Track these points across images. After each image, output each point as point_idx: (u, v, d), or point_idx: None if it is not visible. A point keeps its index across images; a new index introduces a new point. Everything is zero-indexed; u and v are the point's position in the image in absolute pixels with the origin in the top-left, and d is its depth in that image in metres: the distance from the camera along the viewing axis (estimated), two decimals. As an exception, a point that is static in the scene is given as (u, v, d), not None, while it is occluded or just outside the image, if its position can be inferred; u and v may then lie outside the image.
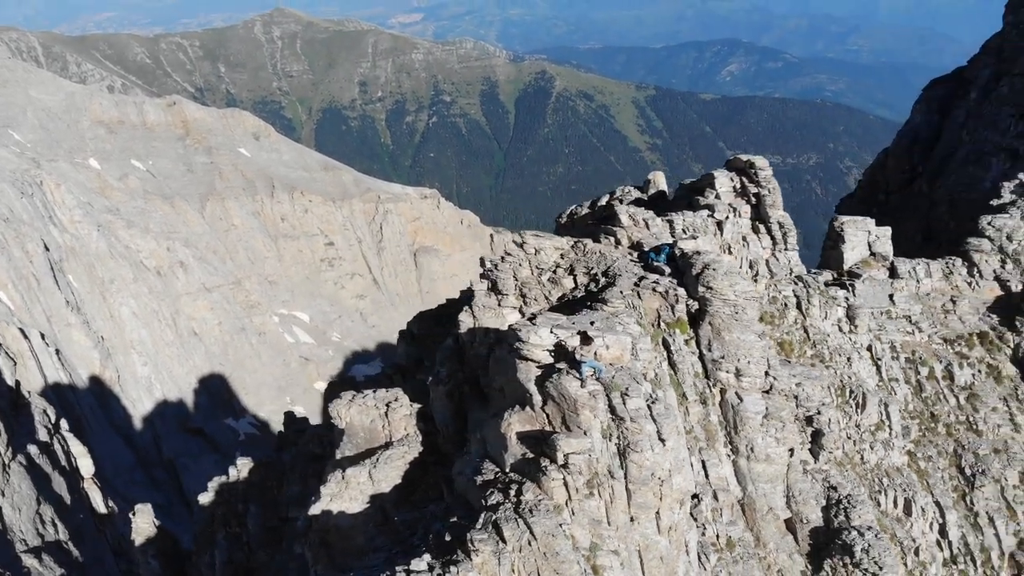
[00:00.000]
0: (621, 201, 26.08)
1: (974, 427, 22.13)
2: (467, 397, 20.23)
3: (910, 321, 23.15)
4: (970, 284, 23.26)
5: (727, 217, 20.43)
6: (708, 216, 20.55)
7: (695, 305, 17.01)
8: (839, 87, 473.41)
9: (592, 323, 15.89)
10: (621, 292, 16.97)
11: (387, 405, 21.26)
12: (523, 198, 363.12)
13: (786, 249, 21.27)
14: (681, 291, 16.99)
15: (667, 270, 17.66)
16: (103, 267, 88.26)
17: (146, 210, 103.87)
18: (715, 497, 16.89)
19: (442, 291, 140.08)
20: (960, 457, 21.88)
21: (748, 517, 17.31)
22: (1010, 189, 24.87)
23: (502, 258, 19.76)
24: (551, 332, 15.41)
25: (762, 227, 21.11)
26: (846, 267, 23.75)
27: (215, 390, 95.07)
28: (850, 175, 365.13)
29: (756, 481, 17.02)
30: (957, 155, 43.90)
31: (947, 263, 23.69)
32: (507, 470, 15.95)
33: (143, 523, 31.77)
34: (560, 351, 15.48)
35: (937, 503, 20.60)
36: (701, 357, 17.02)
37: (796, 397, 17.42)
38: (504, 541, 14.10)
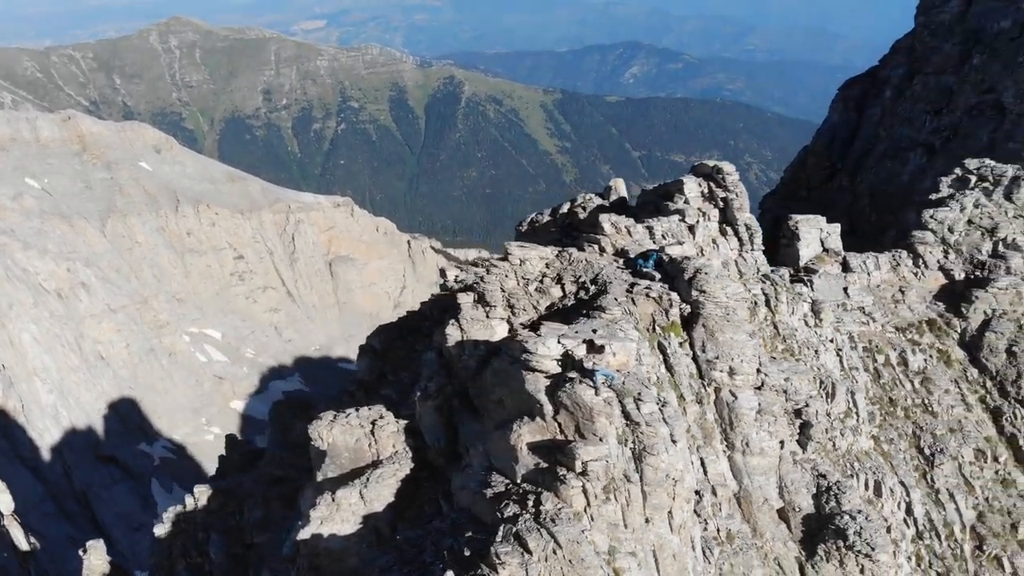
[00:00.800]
0: (585, 209, 26.54)
1: (930, 409, 23.49)
2: (456, 411, 20.19)
3: (864, 312, 24.39)
4: (916, 275, 24.69)
5: (698, 221, 21.11)
6: (679, 220, 21.17)
7: (687, 308, 17.54)
8: (737, 86, 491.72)
9: (595, 331, 16.18)
10: (616, 299, 17.33)
11: (372, 423, 20.98)
12: (438, 203, 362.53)
13: (752, 249, 22.11)
14: (675, 295, 17.50)
15: (657, 276, 18.15)
16: (0, 292, 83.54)
17: (43, 230, 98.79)
18: (714, 493, 17.44)
19: (360, 301, 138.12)
20: (919, 438, 23.19)
21: (744, 510, 17.94)
22: (947, 183, 26.53)
23: (487, 270, 19.84)
24: (558, 342, 15.61)
25: (729, 229, 21.88)
26: (802, 264, 24.79)
27: (126, 415, 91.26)
28: (751, 170, 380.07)
29: (752, 474, 17.67)
30: (875, 151, 46.40)
31: (894, 256, 25.09)
32: (518, 481, 16.05)
33: (96, 560, 30.30)
34: (567, 360, 15.70)
35: (902, 483, 21.75)
36: (695, 358, 17.55)
37: (785, 391, 18.19)
38: (529, 552, 14.20)
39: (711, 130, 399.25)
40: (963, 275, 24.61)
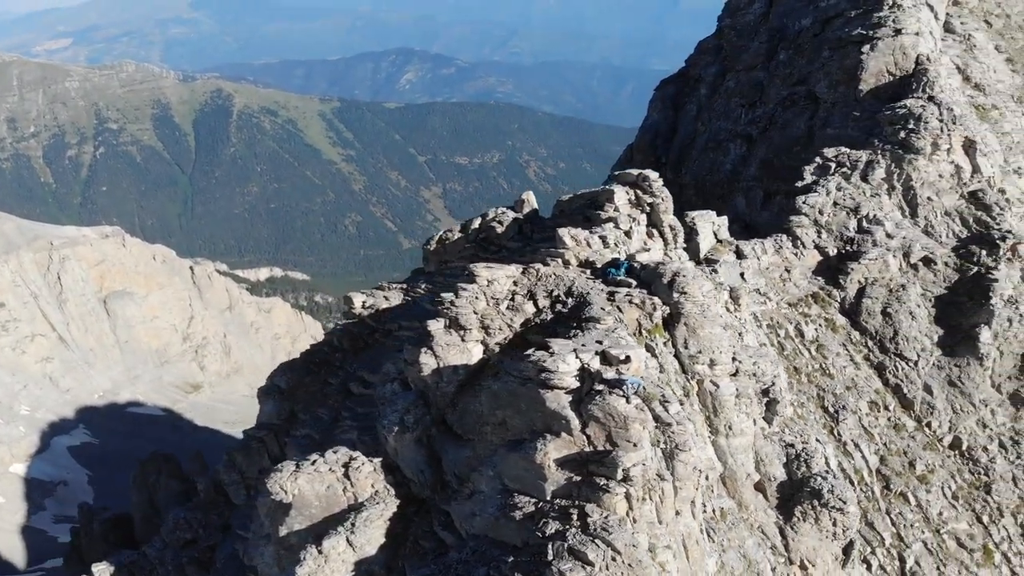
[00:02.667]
0: (501, 223, 26.99)
1: (827, 372, 26.48)
2: (436, 440, 19.96)
3: (760, 293, 26.95)
4: (797, 255, 27.64)
5: (631, 227, 22.35)
6: (614, 227, 22.29)
7: (667, 310, 18.64)
8: (508, 88, 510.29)
9: (599, 342, 16.80)
10: (603, 308, 18.06)
11: (345, 467, 20.15)
12: (218, 223, 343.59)
13: (676, 247, 23.74)
14: (657, 299, 18.52)
15: (633, 282, 19.07)
16: None
17: None
18: (706, 477, 18.70)
19: (143, 338, 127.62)
20: (823, 399, 26.06)
21: (729, 487, 19.40)
22: (810, 171, 29.90)
23: (456, 294, 19.77)
24: (576, 357, 16.06)
25: (655, 231, 23.35)
26: (702, 255, 26.90)
27: None
28: (529, 168, 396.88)
29: (734, 454, 19.16)
30: (696, 144, 50.75)
31: (776, 240, 27.91)
32: (548, 499, 16.30)
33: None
34: (584, 374, 16.19)
35: (817, 440, 24.30)
36: (677, 355, 18.70)
37: (755, 375, 19.87)
38: (590, 563, 14.55)
39: (489, 132, 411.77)
40: (836, 251, 27.91)
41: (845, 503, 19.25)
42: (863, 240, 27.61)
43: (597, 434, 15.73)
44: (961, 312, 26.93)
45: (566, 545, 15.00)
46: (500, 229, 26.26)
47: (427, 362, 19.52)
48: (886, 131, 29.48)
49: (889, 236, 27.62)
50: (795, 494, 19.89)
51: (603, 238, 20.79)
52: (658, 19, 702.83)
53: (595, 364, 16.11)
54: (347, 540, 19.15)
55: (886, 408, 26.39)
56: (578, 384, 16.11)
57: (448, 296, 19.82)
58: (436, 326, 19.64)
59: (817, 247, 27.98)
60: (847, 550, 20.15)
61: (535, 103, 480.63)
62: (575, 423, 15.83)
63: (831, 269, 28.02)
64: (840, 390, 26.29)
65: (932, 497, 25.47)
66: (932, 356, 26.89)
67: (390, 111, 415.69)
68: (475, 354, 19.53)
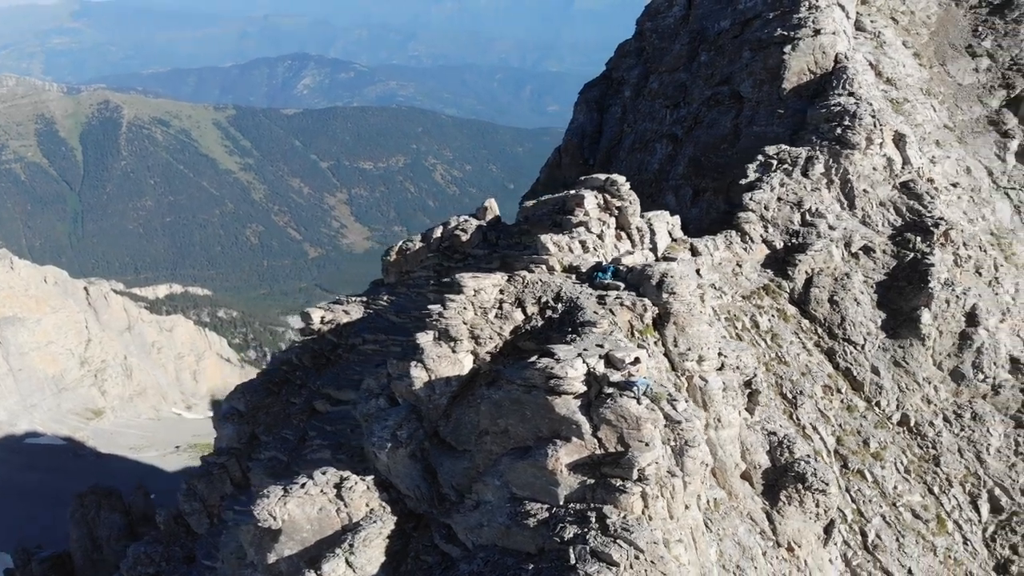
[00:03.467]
0: (465, 231, 26.95)
1: (783, 360, 27.62)
2: (429, 453, 19.82)
3: (715, 288, 27.88)
4: (746, 249, 28.72)
5: (602, 231, 22.78)
6: (586, 231, 22.66)
7: (656, 310, 19.08)
8: (409, 92, 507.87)
9: (599, 345, 17.09)
10: (596, 312, 18.36)
11: (337, 487, 19.73)
12: (112, 239, 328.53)
13: (643, 248, 24.32)
14: (646, 300, 18.93)
15: (621, 285, 19.42)
16: None
17: None
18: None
19: (38, 364, 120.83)
20: (781, 386, 27.18)
21: (719, 478, 20.04)
22: (753, 169, 31.06)
23: (443, 305, 19.68)
24: (583, 363, 16.28)
25: (623, 233, 23.86)
26: (660, 254, 27.64)
27: None
28: (436, 171, 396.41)
29: (723, 446, 19.80)
30: (623, 145, 51.94)
31: (726, 236, 28.92)
32: (561, 503, 16.47)
33: None
34: (591, 377, 16.43)
35: (780, 426, 25.37)
36: (667, 354, 19.18)
37: (738, 367, 20.57)
38: (616, 564, 14.81)
39: (392, 136, 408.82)
40: (782, 244, 29.15)
41: (827, 484, 20.22)
42: (807, 233, 28.94)
43: (608, 437, 15.99)
44: (901, 296, 28.60)
45: (588, 548, 15.21)
46: (465, 237, 26.23)
47: (418, 375, 19.36)
48: (822, 128, 31.00)
49: (831, 228, 29.07)
50: (779, 479, 20.73)
51: (583, 243, 21.11)
52: (552, 21, 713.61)
53: (600, 368, 16.38)
54: (347, 562, 18.76)
55: (838, 391, 27.75)
56: (585, 388, 16.32)
57: (435, 308, 19.71)
58: (425, 339, 19.50)
59: (765, 241, 29.14)
60: (828, 529, 21.16)
61: (438, 106, 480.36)
62: (586, 427, 16.05)
63: (779, 261, 29.23)
64: (796, 376, 27.47)
65: (887, 472, 26.96)
66: (877, 339, 28.46)
67: (288, 117, 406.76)
68: (466, 365, 19.51)
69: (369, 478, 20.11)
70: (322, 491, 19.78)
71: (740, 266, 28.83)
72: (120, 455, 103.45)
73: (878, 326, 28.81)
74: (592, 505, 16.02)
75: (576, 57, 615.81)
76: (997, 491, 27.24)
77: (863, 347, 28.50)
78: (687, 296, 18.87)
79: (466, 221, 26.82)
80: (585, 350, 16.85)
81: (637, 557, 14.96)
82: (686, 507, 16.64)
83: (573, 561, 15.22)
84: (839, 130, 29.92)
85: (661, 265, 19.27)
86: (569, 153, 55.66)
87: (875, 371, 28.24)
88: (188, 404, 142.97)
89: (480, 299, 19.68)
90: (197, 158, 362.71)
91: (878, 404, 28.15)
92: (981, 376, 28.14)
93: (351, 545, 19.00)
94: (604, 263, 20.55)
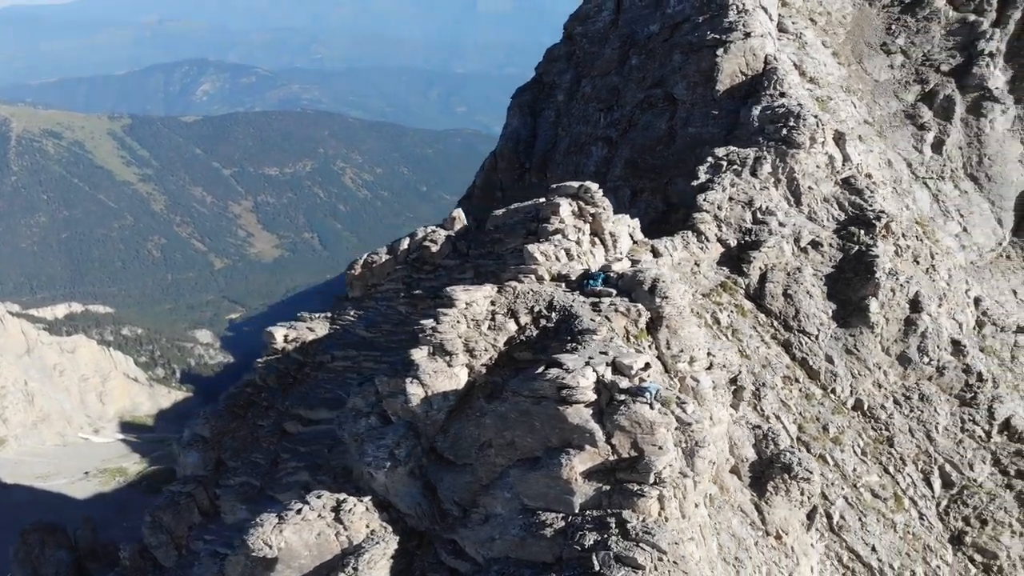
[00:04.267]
0: (435, 242, 26.77)
1: (745, 354, 28.57)
2: (428, 469, 19.68)
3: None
4: (702, 248, 29.58)
5: (578, 238, 23.08)
6: (563, 238, 22.92)
7: (648, 314, 19.47)
8: (314, 95, 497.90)
9: (603, 353, 17.36)
10: (593, 319, 18.62)
11: (334, 510, 19.36)
12: (4, 259, 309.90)
13: (615, 253, 24.76)
14: (640, 305, 19.28)
15: (613, 291, 19.71)
16: None
17: None
18: (699, 468, 19.81)
19: None
20: (742, 378, 28.14)
21: (713, 474, 20.65)
22: (704, 171, 31.97)
23: (436, 320, 19.54)
24: (593, 371, 16.51)
25: (596, 239, 24.23)
26: (624, 257, 28.16)
27: None
28: (345, 175, 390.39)
29: (715, 442, 20.38)
30: (559, 148, 52.54)
31: (683, 236, 29.69)
32: (576, 511, 16.65)
33: None
34: (600, 385, 16.68)
35: (744, 419, 26.30)
36: (660, 356, 19.59)
37: (724, 365, 21.19)
38: (640, 567, 15.09)
39: (298, 140, 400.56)
40: (736, 242, 30.15)
41: (811, 472, 21.11)
42: (759, 230, 30.03)
43: (622, 442, 16.26)
44: (850, 287, 30.03)
45: (611, 553, 15.44)
46: (435, 248, 26.07)
47: (415, 392, 19.19)
48: (768, 129, 32.19)
49: (781, 225, 30.26)
50: (766, 471, 21.51)
51: (567, 251, 21.36)
52: (457, 22, 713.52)
53: (608, 375, 16.64)
54: (353, 586, 18.45)
55: (796, 381, 28.94)
56: (595, 397, 16.55)
57: (428, 323, 19.56)
58: (420, 354, 19.33)
59: (720, 240, 30.09)
60: (810, 515, 22.09)
61: (344, 109, 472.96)
62: (599, 434, 16.27)
63: (733, 259, 30.22)
64: (758, 369, 28.49)
65: (846, 456, 28.29)
66: (829, 329, 29.81)
67: (188, 125, 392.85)
68: (462, 378, 19.45)
69: (367, 499, 19.80)
70: (319, 515, 19.37)
71: (698, 265, 29.65)
72: (26, 485, 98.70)
73: (829, 316, 30.15)
74: (610, 511, 16.26)
75: (482, 58, 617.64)
76: (947, 467, 28.97)
77: (817, 337, 29.79)
78: (678, 300, 19.37)
79: (434, 232, 26.67)
80: (591, 358, 17.08)
81: (660, 559, 15.28)
82: (696, 506, 17.12)
83: (597, 567, 15.42)
84: (785, 131, 31.19)
85: (652, 270, 19.70)
86: (505, 158, 55.93)
87: (829, 360, 29.56)
88: (95, 428, 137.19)
89: (472, 311, 19.65)
90: (93, 170, 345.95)
91: (834, 391, 29.48)
92: (926, 359, 29.85)
93: (355, 568, 18.67)
94: (593, 270, 20.84)
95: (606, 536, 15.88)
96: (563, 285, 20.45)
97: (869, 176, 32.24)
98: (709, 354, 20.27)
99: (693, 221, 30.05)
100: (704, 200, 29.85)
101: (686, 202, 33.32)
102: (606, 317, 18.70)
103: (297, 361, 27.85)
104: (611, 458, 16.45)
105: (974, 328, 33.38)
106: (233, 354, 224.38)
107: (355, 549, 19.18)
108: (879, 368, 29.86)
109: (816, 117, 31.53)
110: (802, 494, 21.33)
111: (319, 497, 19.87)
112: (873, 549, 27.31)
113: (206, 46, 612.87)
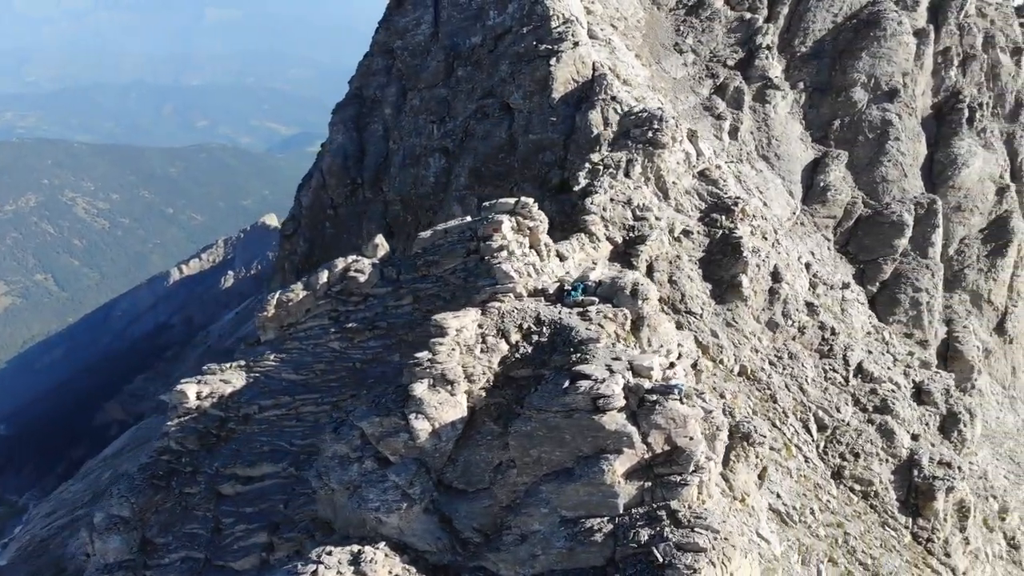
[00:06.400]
0: (362, 272, 26.01)
1: (650, 341, 30.90)
2: (439, 502, 19.51)
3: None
4: (595, 248, 31.48)
5: (523, 252, 23.78)
6: (508, 254, 23.54)
7: (631, 316, 20.66)
8: (31, 122, 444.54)
9: (616, 358, 18.38)
10: (588, 328, 19.52)
11: (353, 564, 18.62)
12: None
13: (549, 262, 25.70)
14: (625, 309, 20.36)
15: (596, 299, 20.59)
16: None
17: None
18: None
19: None
20: (700, 362, 30.36)
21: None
22: (583, 176, 33.75)
23: (432, 351, 19.36)
24: (622, 377, 17.47)
25: (534, 251, 25.04)
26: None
27: None
28: (77, 206, 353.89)
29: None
30: (393, 162, 52.30)
31: (578, 238, 31.33)
32: (621, 511, 17.54)
33: None
34: (627, 390, 17.68)
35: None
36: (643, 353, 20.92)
37: (688, 353, 22.91)
38: (703, 549, 16.41)
39: (18, 173, 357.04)
40: (622, 239, 32.36)
41: (764, 436, 23.63)
42: (641, 226, 32.47)
43: (657, 439, 17.39)
44: (721, 267, 33.45)
45: (672, 543, 16.58)
46: (363, 278, 25.42)
47: (421, 427, 18.99)
48: (633, 133, 34.72)
49: (657, 219, 32.93)
50: (731, 440, 23.67)
51: (532, 265, 21.99)
52: (185, 33, 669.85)
53: (631, 379, 17.71)
54: (390, 634, 17.94)
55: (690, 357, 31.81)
56: (625, 401, 17.53)
57: (423, 355, 19.34)
58: (421, 388, 19.09)
59: (608, 239, 32.11)
60: (761, 475, 24.69)
61: (67, 133, 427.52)
62: (636, 436, 17.28)
63: (621, 255, 32.42)
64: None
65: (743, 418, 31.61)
66: (711, 307, 33.02)
67: None
68: (464, 405, 19.50)
69: (382, 544, 19.22)
70: (338, 572, 18.53)
71: (595, 264, 31.43)
72: None
73: (708, 296, 33.39)
74: (655, 505, 17.35)
75: (217, 69, 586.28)
76: (820, 413, 33.35)
77: (702, 316, 32.87)
78: (654, 299, 20.83)
79: (356, 261, 25.97)
80: (609, 366, 18.02)
81: (715, 538, 16.67)
82: (716, 485, 18.70)
83: (661, 559, 16.46)
84: (650, 133, 33.90)
85: (629, 275, 20.98)
86: (334, 174, 54.62)
87: (714, 334, 32.75)
88: None
89: (463, 337, 19.74)
90: None
91: (722, 361, 32.74)
92: (789, 322, 34.08)
93: (390, 616, 18.17)
94: (570, 282, 21.70)
95: (660, 528, 16.95)
96: (542, 299, 21.11)
97: (719, 167, 36.00)
98: (679, 345, 22.00)
99: (584, 224, 31.75)
100: (591, 203, 31.68)
101: (542, 205, 35.15)
102: (599, 325, 19.68)
103: (218, 418, 25.82)
104: (646, 456, 17.52)
105: (809, 289, 38.53)
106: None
107: (382, 598, 18.61)
108: (754, 335, 33.60)
109: (674, 118, 34.63)
110: (756, 457, 23.83)
111: (330, 554, 18.96)
112: (778, 496, 30.85)
113: None
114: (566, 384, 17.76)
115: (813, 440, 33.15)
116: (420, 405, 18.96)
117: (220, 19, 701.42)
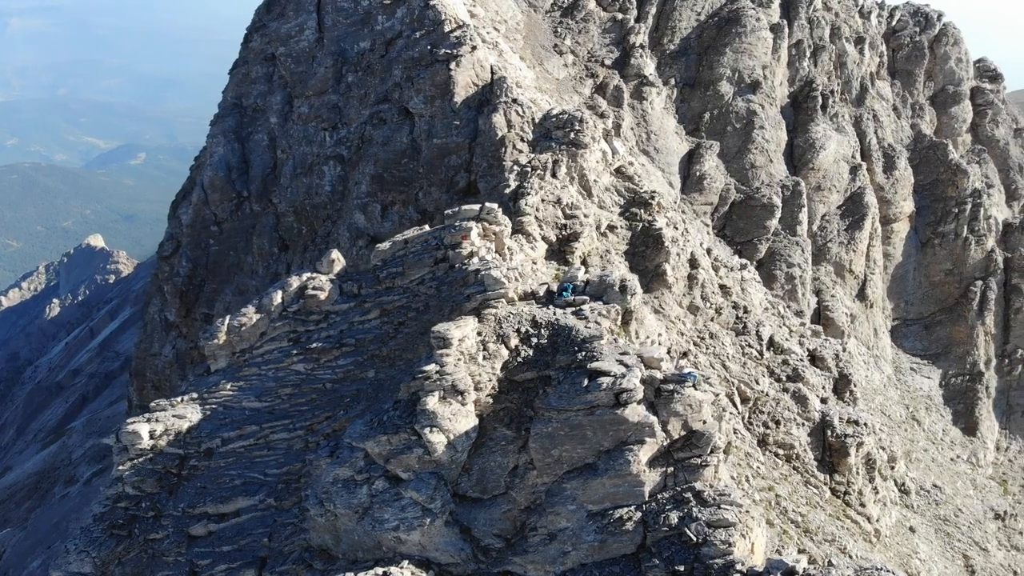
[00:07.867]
0: (321, 289, 25.20)
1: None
2: (457, 513, 19.55)
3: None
4: (532, 248, 32.19)
5: (493, 256, 24.04)
6: (480, 260, 23.76)
7: (622, 311, 21.44)
8: None
9: (624, 353, 19.15)
10: (587, 327, 20.15)
11: (379, 587, 18.36)
12: None
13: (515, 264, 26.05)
14: (616, 305, 21.05)
15: (587, 298, 21.13)
16: None
17: None
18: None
19: None
20: (673, 350, 31.52)
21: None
22: (512, 178, 34.16)
23: (439, 363, 19.29)
24: (638, 370, 18.25)
25: (499, 256, 25.32)
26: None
27: None
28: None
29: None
30: (283, 172, 50.41)
31: (516, 239, 31.84)
32: (647, 499, 18.37)
33: None
34: (643, 382, 18.50)
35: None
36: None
37: (667, 342, 23.95)
38: (732, 524, 17.55)
39: None
40: (556, 238, 33.21)
41: (724, 410, 25.19)
42: (572, 224, 33.41)
43: (675, 426, 18.37)
44: (645, 258, 35.03)
45: (702, 520, 17.61)
46: (323, 295, 24.71)
47: (437, 440, 18.98)
48: (556, 134, 35.55)
49: (586, 216, 34.02)
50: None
51: (513, 269, 22.30)
52: (65, 47, 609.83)
53: (644, 371, 18.57)
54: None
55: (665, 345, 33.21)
56: (644, 395, 18.36)
57: (431, 368, 19.26)
58: (432, 401, 19.02)
59: (543, 238, 32.87)
60: (726, 451, 26.26)
61: None
62: (656, 425, 18.17)
63: (556, 253, 33.26)
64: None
65: (682, 399, 33.38)
66: (639, 296, 34.49)
67: None
68: (474, 414, 19.61)
69: (405, 564, 19.02)
70: (358, 601, 18.20)
71: (535, 263, 32.11)
72: None
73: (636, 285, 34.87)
74: (679, 488, 18.30)
75: (26, 83, 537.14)
76: (742, 386, 35.67)
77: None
78: (640, 294, 21.76)
79: (313, 278, 25.21)
80: (620, 360, 18.76)
81: (739, 511, 17.86)
82: (724, 463, 19.92)
83: (695, 538, 17.46)
84: (572, 134, 34.88)
85: (616, 272, 21.74)
86: (217, 188, 51.94)
87: (640, 322, 34.28)
88: None
89: (465, 346, 19.83)
90: None
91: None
92: (708, 304, 36.26)
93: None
94: (559, 283, 22.18)
95: (688, 509, 17.95)
96: (534, 302, 21.51)
97: (631, 163, 37.63)
98: (660, 335, 23.08)
99: (520, 225, 32.29)
100: (525, 204, 32.25)
101: (443, 208, 35.38)
102: (596, 322, 20.37)
103: (177, 456, 24.29)
104: (665, 442, 18.45)
105: (713, 271, 41.08)
106: None
107: (411, 619, 18.46)
108: (679, 320, 35.47)
109: (592, 119, 35.82)
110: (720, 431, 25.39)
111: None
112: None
113: None
114: (585, 382, 18.34)
115: (739, 413, 35.46)
116: (434, 419, 18.90)
117: (26, 29, 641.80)
